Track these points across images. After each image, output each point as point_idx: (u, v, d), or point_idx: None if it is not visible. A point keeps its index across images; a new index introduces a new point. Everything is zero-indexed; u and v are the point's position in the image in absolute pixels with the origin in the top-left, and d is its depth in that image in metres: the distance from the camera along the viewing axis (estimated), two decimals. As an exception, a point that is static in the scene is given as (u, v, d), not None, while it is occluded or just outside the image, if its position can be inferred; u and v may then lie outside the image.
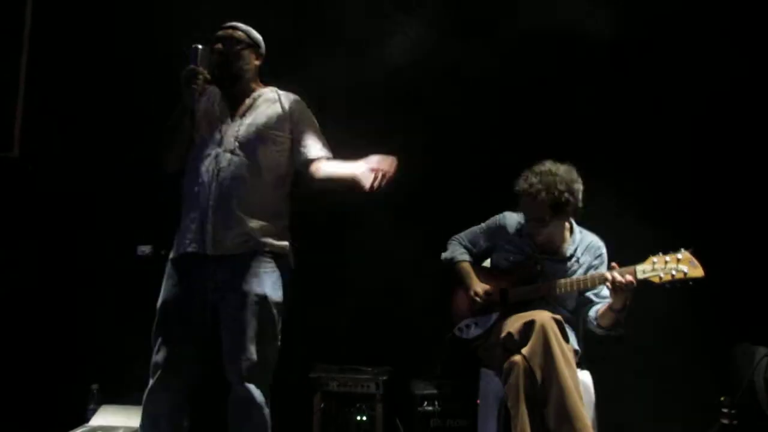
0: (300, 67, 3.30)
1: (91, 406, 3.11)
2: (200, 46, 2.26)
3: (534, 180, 2.50)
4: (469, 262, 2.79)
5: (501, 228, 2.73)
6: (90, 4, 3.64)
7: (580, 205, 2.53)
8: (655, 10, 3.34)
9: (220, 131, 2.29)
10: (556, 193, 2.46)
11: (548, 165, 2.53)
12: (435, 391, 3.01)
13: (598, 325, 2.49)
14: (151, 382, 2.20)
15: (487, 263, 2.86)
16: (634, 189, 3.27)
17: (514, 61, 3.45)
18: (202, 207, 2.21)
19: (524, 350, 2.29)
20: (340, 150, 2.35)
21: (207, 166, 2.24)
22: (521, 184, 2.55)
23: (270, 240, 2.25)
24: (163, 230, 2.45)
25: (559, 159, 2.58)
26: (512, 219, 2.71)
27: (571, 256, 2.60)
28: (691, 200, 3.26)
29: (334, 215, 3.44)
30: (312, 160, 2.32)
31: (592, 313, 2.53)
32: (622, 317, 2.40)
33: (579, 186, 2.51)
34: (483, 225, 2.82)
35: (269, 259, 2.24)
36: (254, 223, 2.22)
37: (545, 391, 2.25)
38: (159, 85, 2.85)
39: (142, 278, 2.70)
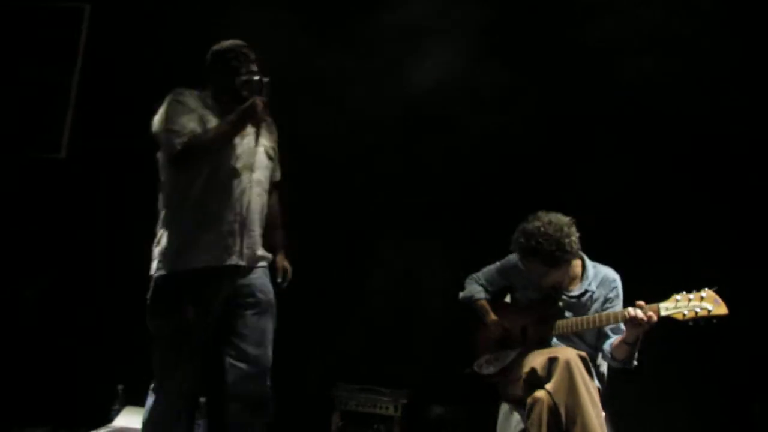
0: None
1: (116, 407, 3.17)
2: (266, 79, 2.27)
3: (523, 242, 2.52)
4: (486, 299, 2.82)
5: (515, 267, 2.74)
6: (140, 17, 3.77)
7: (575, 251, 2.54)
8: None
9: (243, 149, 2.32)
10: (546, 254, 2.48)
11: (536, 223, 2.52)
12: (454, 418, 3.03)
13: (613, 358, 2.50)
14: (153, 400, 2.22)
15: (507, 299, 2.87)
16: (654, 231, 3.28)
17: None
18: (229, 222, 2.25)
19: (548, 386, 2.29)
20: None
21: (234, 184, 2.27)
22: (514, 246, 2.58)
23: (266, 251, 2.40)
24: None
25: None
26: None
27: (585, 291, 2.62)
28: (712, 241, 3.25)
29: (356, 234, 3.51)
30: (277, 182, 2.53)
31: (607, 346, 2.54)
32: (635, 350, 2.42)
33: (569, 239, 2.50)
34: (498, 264, 2.84)
35: (267, 268, 2.40)
36: (261, 237, 2.37)
37: (569, 429, 2.27)
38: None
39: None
